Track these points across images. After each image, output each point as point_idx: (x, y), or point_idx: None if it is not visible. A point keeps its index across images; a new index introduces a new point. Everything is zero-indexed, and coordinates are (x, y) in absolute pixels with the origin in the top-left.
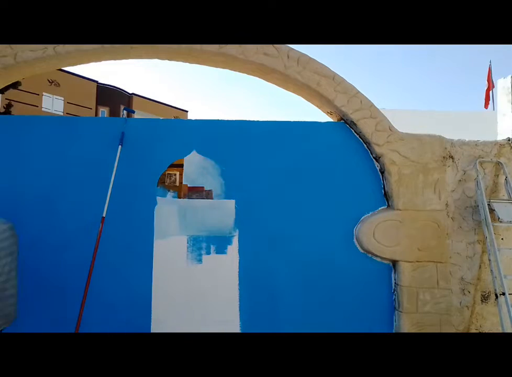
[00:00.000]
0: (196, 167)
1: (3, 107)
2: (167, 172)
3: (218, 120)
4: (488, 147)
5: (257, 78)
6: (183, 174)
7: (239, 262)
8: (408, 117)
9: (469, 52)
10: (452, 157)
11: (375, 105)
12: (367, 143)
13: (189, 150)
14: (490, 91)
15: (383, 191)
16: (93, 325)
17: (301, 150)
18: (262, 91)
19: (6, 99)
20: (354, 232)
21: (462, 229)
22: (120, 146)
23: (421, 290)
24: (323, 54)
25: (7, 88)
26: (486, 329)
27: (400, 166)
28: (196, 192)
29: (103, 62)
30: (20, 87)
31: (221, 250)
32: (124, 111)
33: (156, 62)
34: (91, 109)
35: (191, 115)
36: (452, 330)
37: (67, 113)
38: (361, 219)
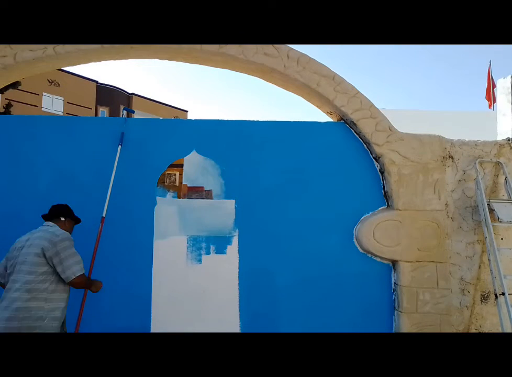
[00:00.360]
0: (196, 167)
1: (3, 107)
2: (167, 172)
3: (218, 120)
4: (488, 147)
5: (257, 78)
6: (183, 174)
7: (239, 262)
8: (408, 117)
9: (469, 52)
10: (451, 157)
11: (375, 105)
12: (367, 143)
13: (189, 150)
14: (492, 91)
15: (383, 191)
16: (93, 325)
17: (301, 150)
18: (262, 91)
19: (6, 99)
20: (354, 232)
21: (462, 229)
22: (120, 146)
23: (420, 290)
24: (323, 54)
25: (6, 88)
26: (486, 329)
27: (400, 166)
28: (196, 192)
29: (103, 62)
30: (19, 87)
31: (220, 250)
32: (124, 111)
33: (156, 61)
34: (91, 109)
35: (191, 115)
36: (451, 330)
37: (67, 113)
38: (361, 219)
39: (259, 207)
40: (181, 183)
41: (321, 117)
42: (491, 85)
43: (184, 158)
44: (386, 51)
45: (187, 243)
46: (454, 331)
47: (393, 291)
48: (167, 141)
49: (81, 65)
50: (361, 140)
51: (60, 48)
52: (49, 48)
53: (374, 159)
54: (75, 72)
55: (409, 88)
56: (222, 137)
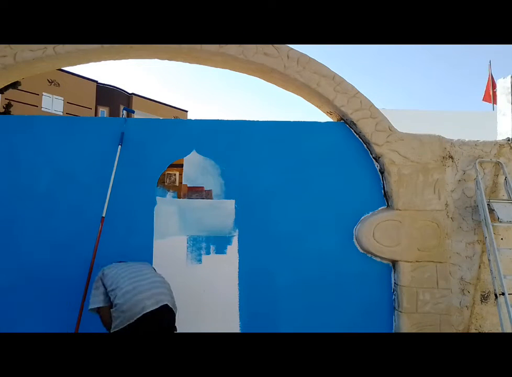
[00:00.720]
0: (195, 167)
1: (3, 106)
2: (166, 172)
3: (218, 120)
4: (488, 147)
5: (257, 78)
6: (183, 174)
7: (239, 262)
8: (408, 117)
9: (469, 52)
10: (451, 157)
11: (375, 105)
12: (367, 143)
13: (189, 149)
14: (491, 91)
15: (383, 191)
16: (93, 325)
17: (301, 150)
18: (262, 91)
19: (6, 99)
20: (353, 232)
21: (462, 229)
22: (119, 146)
23: (420, 290)
24: (323, 54)
25: (6, 88)
26: (486, 329)
27: (400, 166)
28: (196, 192)
29: (103, 62)
30: (19, 87)
31: (220, 250)
32: (124, 111)
33: (156, 61)
34: (91, 109)
35: (191, 115)
36: (451, 330)
37: (66, 113)
38: (361, 219)
39: (259, 207)
40: (181, 183)
41: (321, 117)
42: (490, 86)
43: (184, 158)
44: (386, 51)
45: (187, 243)
46: (454, 331)
47: (393, 291)
48: (167, 141)
49: (81, 65)
50: (361, 140)
51: (60, 48)
52: (49, 48)
53: (373, 159)
54: (75, 72)
55: (409, 88)
56: (222, 137)
